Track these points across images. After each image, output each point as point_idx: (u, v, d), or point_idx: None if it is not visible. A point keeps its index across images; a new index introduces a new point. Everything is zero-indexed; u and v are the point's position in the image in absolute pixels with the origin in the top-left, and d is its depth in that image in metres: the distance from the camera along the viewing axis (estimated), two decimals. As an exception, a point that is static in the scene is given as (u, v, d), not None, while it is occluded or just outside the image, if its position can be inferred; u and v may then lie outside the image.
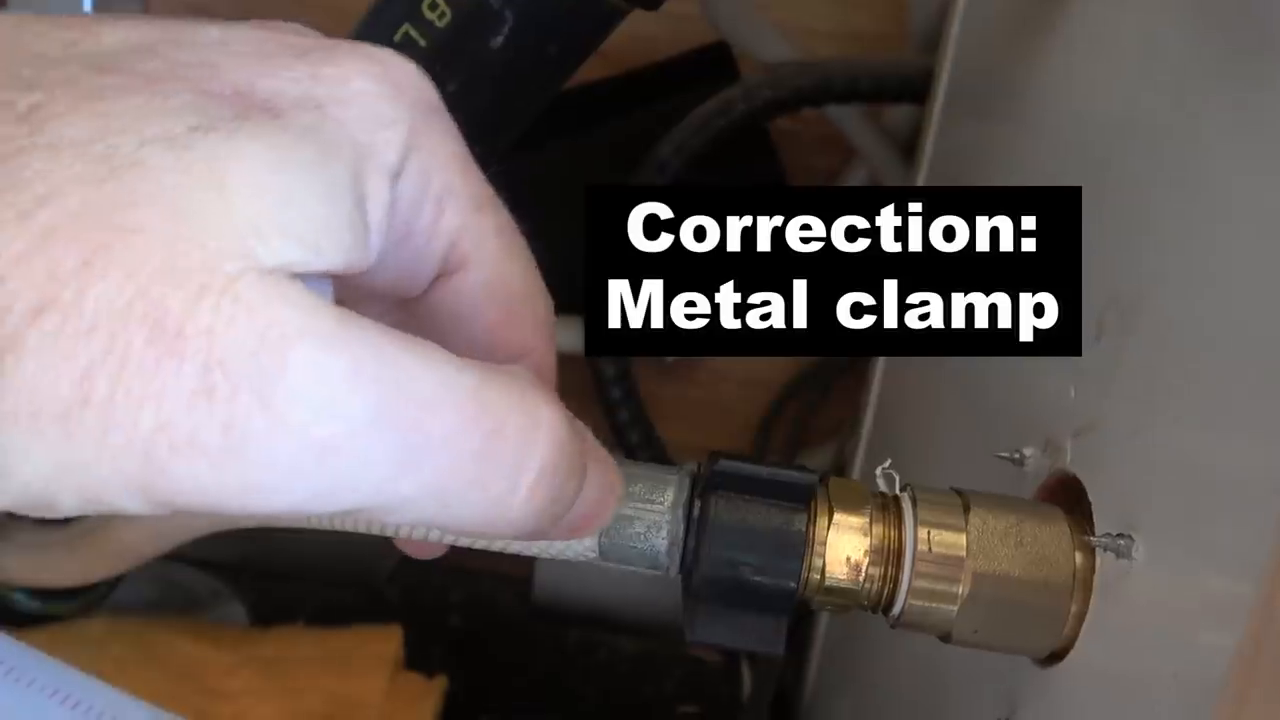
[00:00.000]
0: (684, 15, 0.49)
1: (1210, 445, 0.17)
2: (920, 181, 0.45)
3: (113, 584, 0.48)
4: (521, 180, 0.51)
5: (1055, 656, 0.22)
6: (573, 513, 0.17)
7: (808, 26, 0.56)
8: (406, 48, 0.31)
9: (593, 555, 0.22)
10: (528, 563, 0.57)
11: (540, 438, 0.16)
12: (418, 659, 0.49)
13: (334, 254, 0.14)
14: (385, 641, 0.46)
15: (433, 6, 0.31)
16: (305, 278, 0.14)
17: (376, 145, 0.16)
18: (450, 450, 0.15)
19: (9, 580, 0.40)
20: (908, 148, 0.52)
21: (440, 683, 0.46)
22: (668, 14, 0.36)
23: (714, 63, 0.53)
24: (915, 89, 0.47)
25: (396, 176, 0.16)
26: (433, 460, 0.15)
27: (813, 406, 0.62)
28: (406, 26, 0.31)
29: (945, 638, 0.22)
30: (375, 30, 0.32)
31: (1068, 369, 0.24)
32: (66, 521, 0.40)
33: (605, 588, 0.60)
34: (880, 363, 0.47)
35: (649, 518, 0.22)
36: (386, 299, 0.20)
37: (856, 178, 0.57)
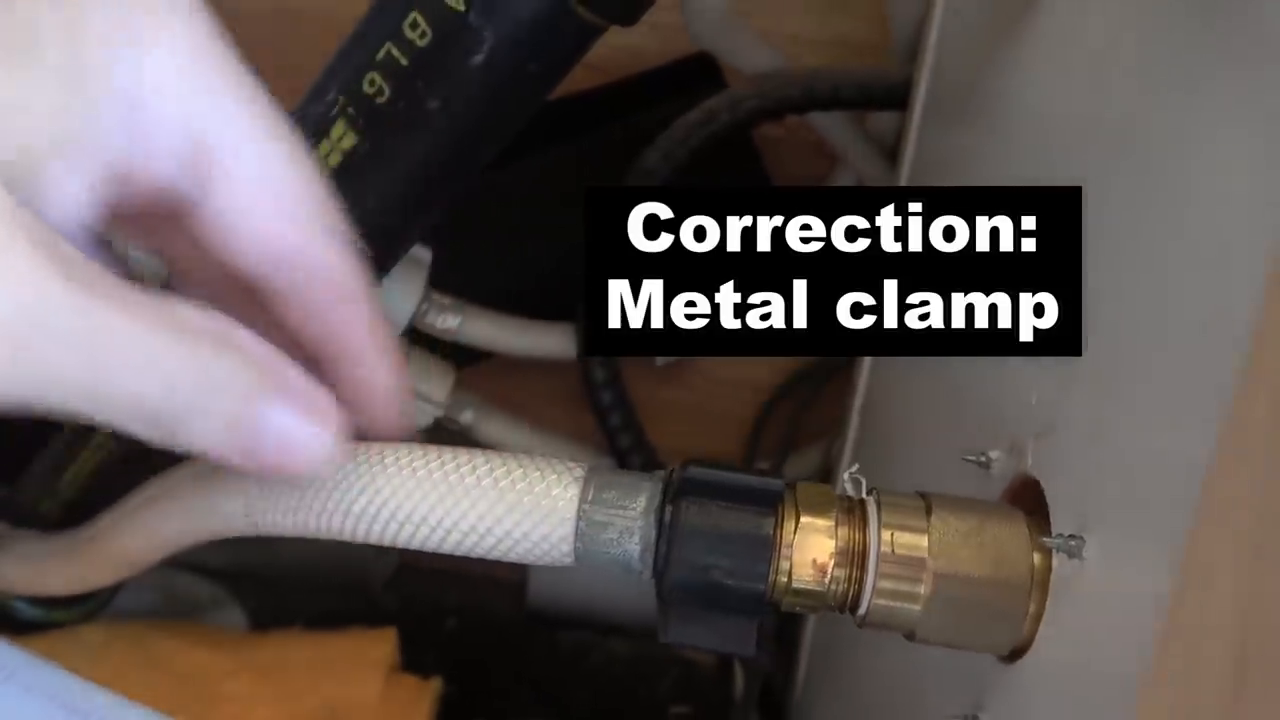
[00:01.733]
0: (671, 25, 0.50)
1: (1145, 446, 0.18)
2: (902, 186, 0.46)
3: (113, 591, 0.49)
4: (508, 189, 0.52)
5: (1016, 654, 0.22)
6: (268, 445, 0.19)
7: (793, 34, 0.57)
8: (389, 65, 0.32)
9: (568, 560, 0.23)
10: (522, 568, 0.58)
11: (224, 371, 0.18)
12: (413, 663, 0.50)
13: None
14: (380, 644, 0.47)
15: (414, 25, 0.31)
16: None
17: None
18: (138, 372, 0.17)
19: (9, 589, 0.41)
20: (893, 153, 0.53)
21: (435, 685, 0.47)
22: (655, 25, 0.37)
23: (700, 72, 0.54)
24: (898, 96, 0.47)
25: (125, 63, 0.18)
26: (121, 382, 0.17)
27: (804, 409, 0.63)
28: (389, 45, 0.32)
29: (910, 636, 0.22)
30: (358, 48, 0.33)
31: (1032, 374, 0.25)
32: (66, 530, 0.40)
33: (599, 591, 0.60)
34: (866, 365, 0.48)
35: (622, 523, 0.22)
36: (160, 215, 0.20)
37: (842, 183, 0.58)
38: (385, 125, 0.32)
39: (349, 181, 0.34)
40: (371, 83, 0.32)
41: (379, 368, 0.23)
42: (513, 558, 0.23)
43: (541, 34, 0.31)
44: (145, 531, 0.32)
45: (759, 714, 0.54)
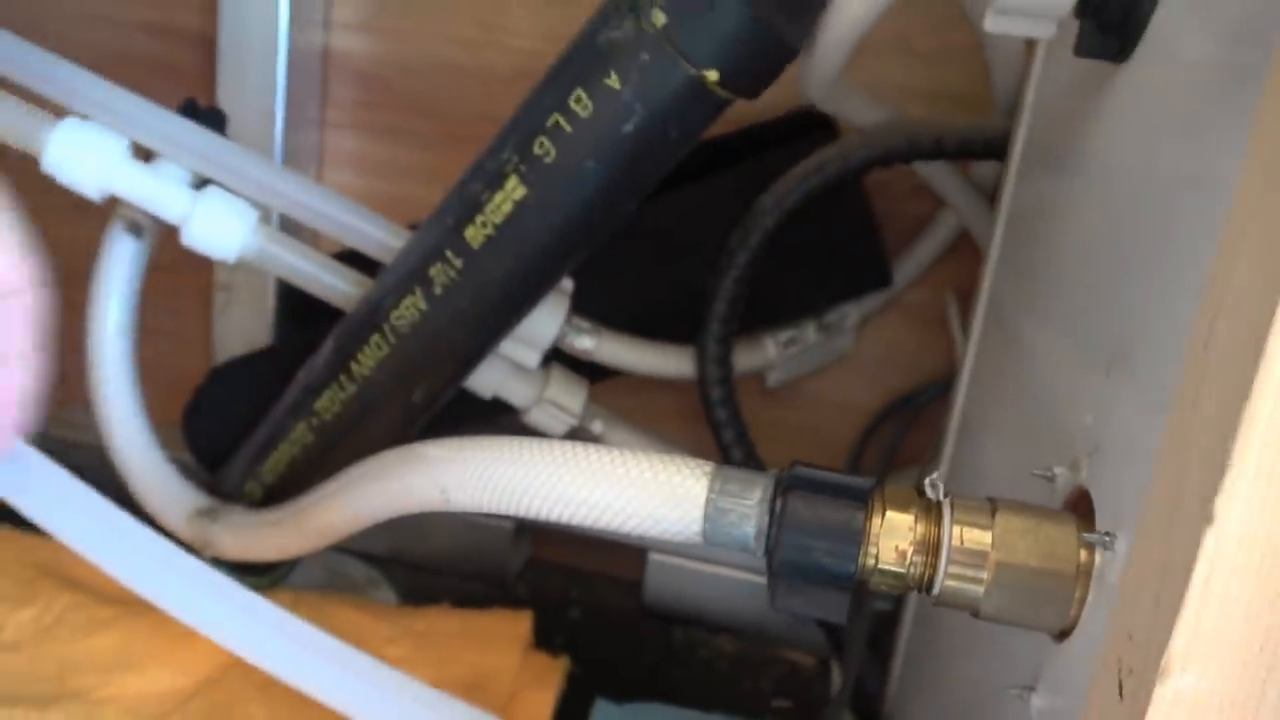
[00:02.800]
0: (787, 79, 0.56)
1: (1149, 457, 0.22)
2: (999, 229, 0.50)
3: (291, 565, 0.57)
4: (640, 229, 0.58)
5: (1065, 634, 0.27)
6: None
7: (901, 85, 0.62)
8: (556, 131, 0.39)
9: (698, 539, 0.29)
10: (640, 565, 0.64)
11: None
12: (540, 646, 0.56)
13: None
14: (519, 623, 0.54)
15: (578, 100, 0.38)
16: None
17: None
18: None
19: (221, 554, 0.49)
20: (993, 196, 0.57)
21: (564, 662, 0.53)
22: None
23: (815, 121, 0.59)
24: (997, 148, 0.52)
25: None
26: None
27: (904, 432, 0.67)
28: (556, 114, 0.39)
29: (975, 614, 0.27)
30: (531, 115, 0.40)
31: (1090, 398, 0.29)
32: (269, 507, 0.48)
33: (709, 593, 0.66)
34: (962, 391, 0.52)
35: (741, 510, 0.28)
36: None
37: (946, 224, 0.62)
38: (550, 181, 0.39)
39: (518, 226, 0.40)
40: (540, 145, 0.39)
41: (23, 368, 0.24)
42: (653, 535, 0.29)
43: (682, 107, 0.37)
44: (347, 508, 0.39)
45: (852, 712, 0.58)
